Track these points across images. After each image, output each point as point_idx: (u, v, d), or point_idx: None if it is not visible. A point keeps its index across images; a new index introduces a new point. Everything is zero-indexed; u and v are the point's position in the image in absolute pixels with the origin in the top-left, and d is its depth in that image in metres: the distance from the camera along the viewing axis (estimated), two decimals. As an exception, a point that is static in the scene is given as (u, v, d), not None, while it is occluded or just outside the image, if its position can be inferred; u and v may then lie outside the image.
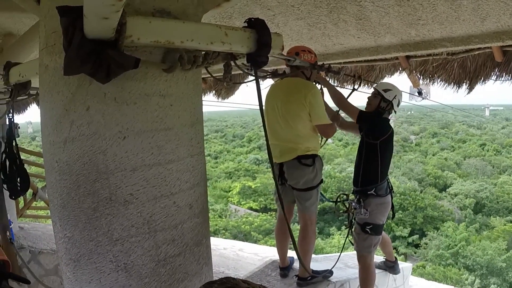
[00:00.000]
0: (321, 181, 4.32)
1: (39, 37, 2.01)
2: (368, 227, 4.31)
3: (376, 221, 4.31)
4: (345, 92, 4.87)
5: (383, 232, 4.56)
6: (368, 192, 4.28)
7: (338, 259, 4.90)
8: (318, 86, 4.37)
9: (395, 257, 5.35)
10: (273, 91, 4.38)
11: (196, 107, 2.13)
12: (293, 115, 4.12)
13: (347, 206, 4.47)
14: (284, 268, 4.78)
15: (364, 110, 4.47)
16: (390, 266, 5.25)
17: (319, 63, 4.29)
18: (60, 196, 1.93)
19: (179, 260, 2.04)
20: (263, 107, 2.30)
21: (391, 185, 4.45)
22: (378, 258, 5.35)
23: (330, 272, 4.68)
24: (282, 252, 4.74)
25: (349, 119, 4.66)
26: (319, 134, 4.35)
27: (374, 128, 4.30)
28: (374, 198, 4.27)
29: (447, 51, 4.38)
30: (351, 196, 4.48)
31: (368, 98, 4.48)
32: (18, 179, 4.17)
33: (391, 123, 4.52)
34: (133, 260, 1.90)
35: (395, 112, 4.46)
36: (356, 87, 4.89)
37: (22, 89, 3.01)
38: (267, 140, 2.47)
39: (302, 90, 4.10)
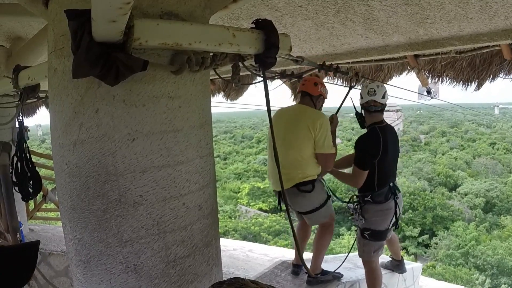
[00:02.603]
0: (329, 197, 4.30)
1: (47, 40, 2.03)
2: (367, 233, 4.28)
3: (375, 228, 4.26)
4: (352, 91, 4.86)
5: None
6: (365, 199, 4.26)
7: (345, 259, 4.90)
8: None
9: (402, 256, 5.32)
10: (280, 115, 4.39)
11: (204, 108, 2.13)
12: (298, 140, 4.11)
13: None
14: (297, 266, 4.79)
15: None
16: (396, 265, 5.21)
17: (327, 63, 4.29)
18: (70, 198, 1.94)
19: (188, 261, 2.05)
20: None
21: (396, 190, 4.29)
22: (385, 258, 5.33)
23: (340, 273, 4.68)
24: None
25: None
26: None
27: (365, 155, 4.22)
28: (371, 205, 4.24)
29: (456, 50, 4.35)
30: (355, 199, 4.45)
31: (363, 118, 4.45)
32: (30, 181, 4.20)
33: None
34: (143, 261, 1.90)
35: (386, 98, 4.29)
36: (353, 84, 4.84)
37: (32, 92, 3.02)
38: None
39: (311, 116, 4.13)
